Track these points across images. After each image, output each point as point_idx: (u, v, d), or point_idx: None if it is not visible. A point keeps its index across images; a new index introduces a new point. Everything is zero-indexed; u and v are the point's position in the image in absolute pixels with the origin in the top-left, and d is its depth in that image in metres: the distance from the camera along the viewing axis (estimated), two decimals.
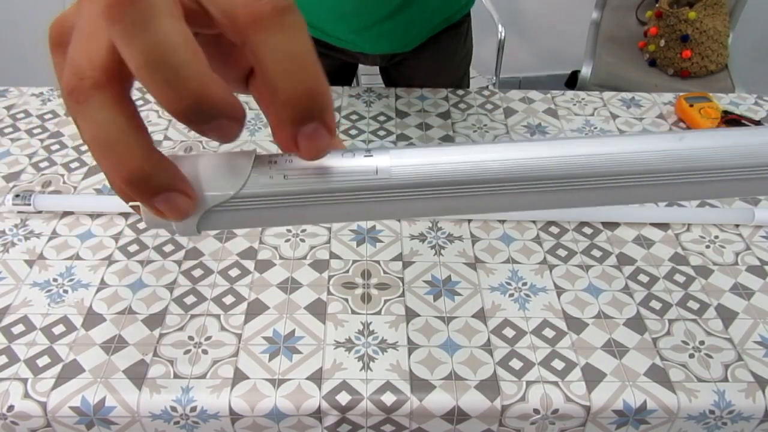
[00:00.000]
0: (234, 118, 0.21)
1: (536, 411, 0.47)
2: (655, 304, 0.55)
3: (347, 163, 0.24)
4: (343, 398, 0.47)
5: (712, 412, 0.48)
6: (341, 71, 0.95)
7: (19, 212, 0.62)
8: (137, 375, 0.48)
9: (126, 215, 0.63)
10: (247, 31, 0.20)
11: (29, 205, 0.61)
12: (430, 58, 0.89)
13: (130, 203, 0.23)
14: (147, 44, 0.19)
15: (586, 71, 1.69)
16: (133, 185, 0.21)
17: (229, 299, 0.55)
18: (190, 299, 0.55)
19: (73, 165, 0.69)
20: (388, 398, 0.47)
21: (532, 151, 0.24)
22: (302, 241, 0.61)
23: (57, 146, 0.72)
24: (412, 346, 0.51)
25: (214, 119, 0.20)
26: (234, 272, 0.57)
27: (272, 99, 0.21)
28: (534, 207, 0.25)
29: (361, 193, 0.24)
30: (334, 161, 0.24)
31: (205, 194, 0.24)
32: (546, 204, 0.25)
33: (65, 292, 0.55)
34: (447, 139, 0.75)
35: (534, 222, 0.63)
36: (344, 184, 0.24)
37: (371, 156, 0.24)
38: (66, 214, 0.63)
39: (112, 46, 0.20)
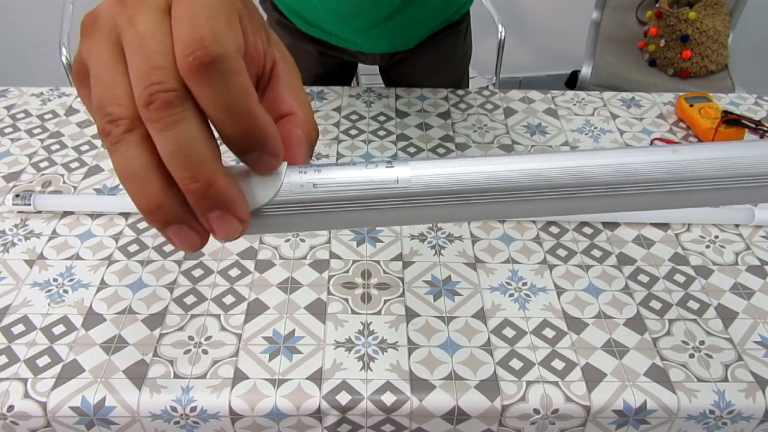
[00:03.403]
0: (232, 213, 0.25)
1: (536, 411, 0.47)
2: (655, 304, 0.55)
3: (370, 173, 0.27)
4: (343, 398, 0.47)
5: (712, 412, 0.48)
6: (341, 70, 0.96)
7: (19, 212, 0.62)
8: (137, 375, 0.48)
9: (126, 215, 0.63)
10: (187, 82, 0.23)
11: (29, 205, 0.61)
12: (430, 57, 0.89)
13: None
14: (175, 138, 0.23)
15: (586, 71, 1.69)
16: (150, 214, 0.24)
17: (229, 299, 0.55)
18: (190, 299, 0.55)
19: (73, 165, 0.69)
20: (388, 398, 0.47)
21: (540, 163, 0.26)
22: (302, 241, 0.61)
23: (57, 146, 0.72)
24: (412, 346, 0.51)
25: (217, 208, 0.24)
26: (234, 272, 0.57)
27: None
28: (541, 214, 0.27)
29: (383, 201, 0.26)
30: (359, 172, 0.26)
31: None
32: (552, 211, 0.27)
33: (65, 292, 0.55)
34: (447, 139, 0.75)
35: (534, 222, 0.63)
36: (368, 192, 0.26)
37: (392, 167, 0.27)
38: (66, 214, 0.63)
39: None
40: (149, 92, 0.23)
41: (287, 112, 0.29)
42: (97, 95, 0.24)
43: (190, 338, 0.51)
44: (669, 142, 0.76)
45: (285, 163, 0.27)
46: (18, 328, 0.52)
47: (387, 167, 0.27)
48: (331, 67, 0.93)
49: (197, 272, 0.57)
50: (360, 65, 1.01)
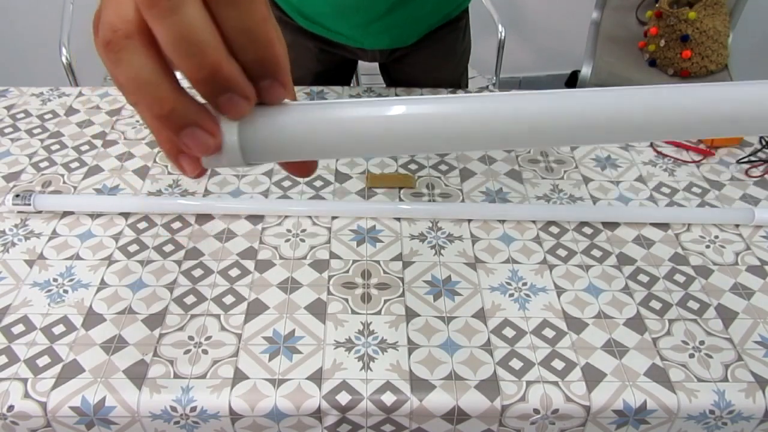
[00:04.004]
0: (242, 94, 0.25)
1: (536, 411, 0.47)
2: (655, 304, 0.55)
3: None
4: (343, 398, 0.47)
5: (712, 412, 0.48)
6: (341, 69, 0.96)
7: (19, 212, 0.62)
8: (137, 375, 0.48)
9: (126, 215, 0.63)
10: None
11: (29, 205, 0.61)
12: (430, 54, 0.89)
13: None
14: (175, 25, 0.23)
15: (586, 71, 1.69)
16: (163, 119, 0.24)
17: (229, 299, 0.55)
18: (190, 299, 0.55)
19: (73, 165, 0.69)
20: (388, 398, 0.47)
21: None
22: (302, 241, 0.61)
23: (57, 146, 0.72)
24: (412, 346, 0.51)
25: (226, 91, 0.24)
26: (234, 272, 0.57)
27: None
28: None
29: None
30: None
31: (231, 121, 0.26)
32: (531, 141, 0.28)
33: (65, 292, 0.55)
34: None
35: (534, 222, 0.63)
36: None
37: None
38: (66, 214, 0.63)
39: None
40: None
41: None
42: (104, 14, 0.24)
43: (190, 338, 0.51)
44: (673, 143, 0.76)
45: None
46: (18, 328, 0.52)
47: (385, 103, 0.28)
48: (331, 65, 0.93)
49: (197, 272, 0.57)
50: (360, 64, 1.01)
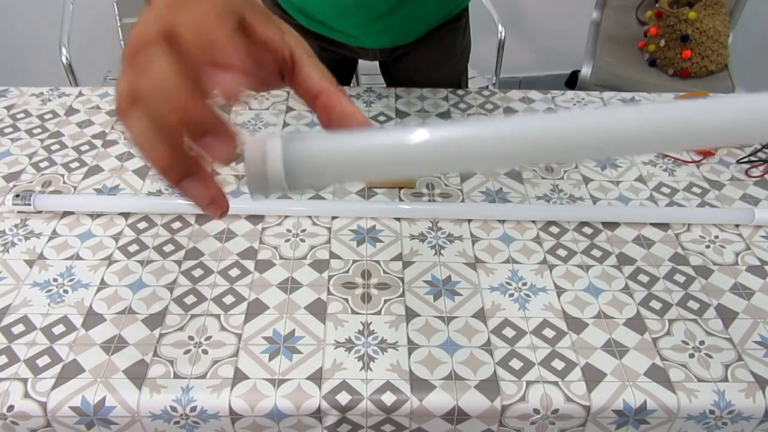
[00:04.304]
0: (217, 135, 0.27)
1: (536, 411, 0.47)
2: (655, 304, 0.55)
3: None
4: (343, 398, 0.47)
5: (712, 412, 0.48)
6: (342, 67, 0.96)
7: (19, 212, 0.62)
8: (137, 375, 0.48)
9: (126, 215, 0.63)
10: None
11: (29, 205, 0.61)
12: (430, 53, 0.90)
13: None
14: (150, 79, 0.26)
15: (586, 71, 1.69)
16: (163, 173, 0.27)
17: (229, 299, 0.55)
18: (190, 299, 0.55)
19: (73, 165, 0.69)
20: (388, 398, 0.47)
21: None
22: (302, 241, 0.61)
23: (57, 146, 0.72)
24: (412, 346, 0.51)
25: (201, 134, 0.27)
26: (234, 272, 0.57)
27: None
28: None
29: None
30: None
31: (269, 142, 0.29)
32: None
33: (65, 292, 0.55)
34: None
35: (534, 222, 0.63)
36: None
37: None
38: (66, 214, 0.63)
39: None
40: (132, 48, 0.27)
41: (319, 89, 0.32)
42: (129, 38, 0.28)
43: (190, 338, 0.51)
44: None
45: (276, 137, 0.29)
46: (18, 328, 0.52)
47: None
48: (332, 64, 0.92)
49: (197, 272, 0.57)
50: (360, 64, 1.01)
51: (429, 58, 0.90)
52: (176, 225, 0.62)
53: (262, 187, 0.29)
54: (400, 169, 0.31)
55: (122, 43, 1.56)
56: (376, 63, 0.95)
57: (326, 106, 0.32)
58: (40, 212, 0.63)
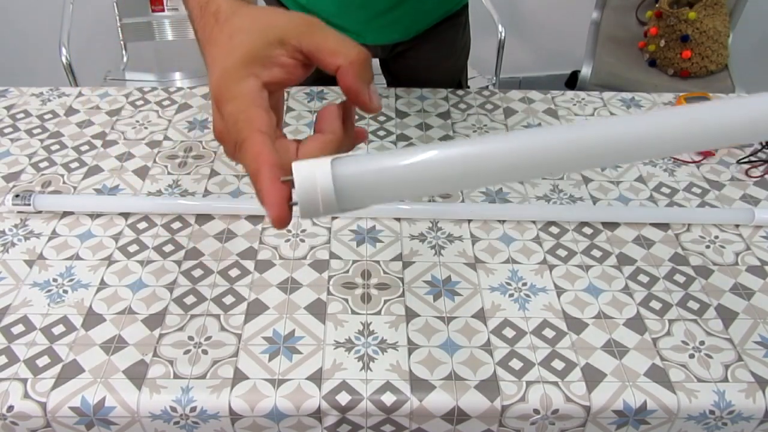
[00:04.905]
0: (271, 214, 0.31)
1: (536, 411, 0.47)
2: (655, 304, 0.55)
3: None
4: (343, 398, 0.47)
5: (712, 412, 0.48)
6: None
7: (19, 212, 0.62)
8: (137, 375, 0.48)
9: (126, 215, 0.63)
10: None
11: (29, 205, 0.61)
12: (431, 49, 0.90)
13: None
14: (241, 162, 0.33)
15: (586, 71, 1.69)
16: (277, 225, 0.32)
17: (229, 299, 0.55)
18: (190, 299, 0.55)
19: (73, 165, 0.69)
20: (388, 398, 0.47)
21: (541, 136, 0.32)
22: (302, 241, 0.61)
23: (57, 146, 0.72)
24: (412, 346, 0.51)
25: (262, 203, 0.31)
26: (234, 272, 0.57)
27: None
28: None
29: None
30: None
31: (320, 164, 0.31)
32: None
33: (65, 292, 0.55)
34: (446, 139, 0.75)
35: (534, 222, 0.63)
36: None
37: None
38: (66, 214, 0.63)
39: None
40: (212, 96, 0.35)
41: (335, 63, 0.36)
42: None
43: (190, 338, 0.51)
44: None
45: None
46: (18, 328, 0.52)
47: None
48: None
49: (197, 272, 0.57)
50: None
51: (429, 55, 0.91)
52: (176, 225, 0.62)
53: (314, 210, 0.31)
54: (446, 186, 0.32)
55: (122, 43, 1.56)
56: (376, 60, 0.96)
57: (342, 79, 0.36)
58: (39, 212, 0.63)
